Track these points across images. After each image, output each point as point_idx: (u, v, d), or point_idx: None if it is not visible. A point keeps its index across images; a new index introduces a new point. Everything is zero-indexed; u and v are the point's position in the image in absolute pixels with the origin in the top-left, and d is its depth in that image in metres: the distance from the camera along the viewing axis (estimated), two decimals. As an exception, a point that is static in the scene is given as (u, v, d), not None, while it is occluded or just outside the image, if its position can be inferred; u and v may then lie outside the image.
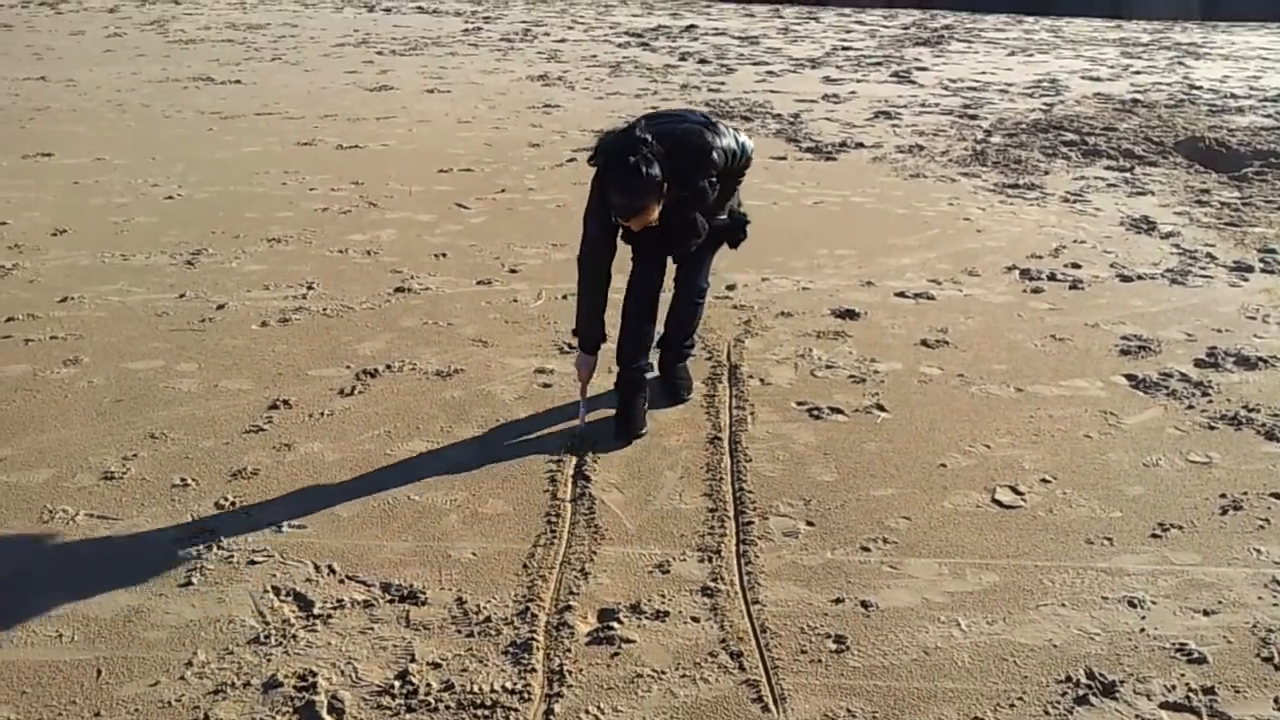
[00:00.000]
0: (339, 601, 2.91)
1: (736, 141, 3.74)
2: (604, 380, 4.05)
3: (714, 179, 3.65)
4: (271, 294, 5.18)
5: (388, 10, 18.35)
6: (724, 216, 3.91)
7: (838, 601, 2.95)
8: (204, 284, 5.28)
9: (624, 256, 3.83)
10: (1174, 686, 2.63)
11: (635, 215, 3.46)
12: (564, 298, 5.11)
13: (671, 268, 4.04)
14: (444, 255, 5.79)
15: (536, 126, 9.14)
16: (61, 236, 5.96)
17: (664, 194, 3.47)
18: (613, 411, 3.94)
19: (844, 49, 14.59)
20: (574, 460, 3.69)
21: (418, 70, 12.09)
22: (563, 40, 14.90)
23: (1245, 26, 18.70)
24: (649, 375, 4.02)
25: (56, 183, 7.05)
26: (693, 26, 16.77)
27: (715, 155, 3.59)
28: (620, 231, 3.71)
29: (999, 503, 3.46)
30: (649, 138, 3.44)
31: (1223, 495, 3.52)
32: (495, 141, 8.57)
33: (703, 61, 13.13)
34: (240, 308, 5.00)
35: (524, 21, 17.06)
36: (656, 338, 4.13)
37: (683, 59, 13.33)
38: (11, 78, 10.96)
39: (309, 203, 6.76)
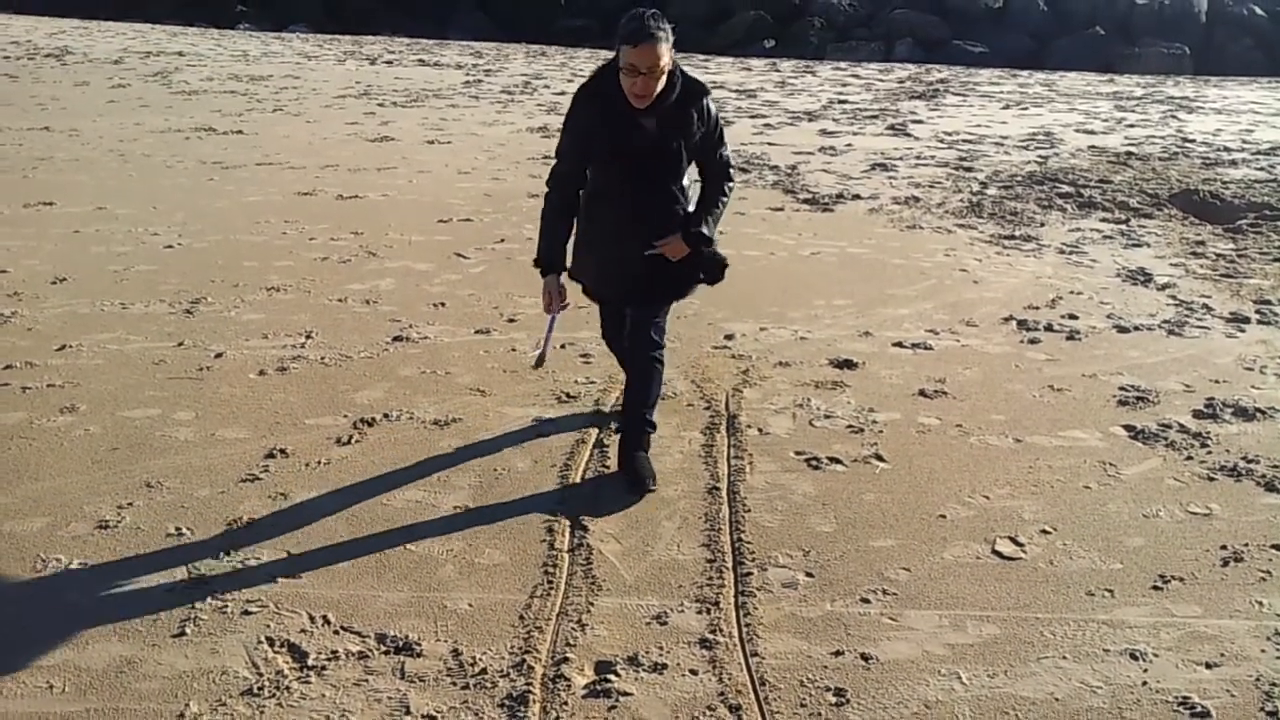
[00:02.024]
0: (333, 653, 2.88)
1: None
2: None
3: (703, 117, 3.65)
4: (270, 343, 5.19)
5: (389, 63, 18.57)
6: (709, 233, 3.76)
7: (837, 654, 2.92)
8: (202, 333, 5.29)
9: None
10: (1178, 742, 2.60)
11: (645, 41, 3.37)
12: (562, 347, 5.11)
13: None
14: (443, 304, 5.81)
15: (535, 177, 9.21)
16: (61, 285, 5.98)
17: (673, 59, 3.49)
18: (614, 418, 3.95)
19: (840, 102, 14.76)
20: (571, 511, 3.67)
21: (418, 122, 12.21)
22: (562, 93, 15.06)
23: (1236, 81, 18.95)
24: (651, 434, 4.02)
25: (57, 231, 7.09)
26: (691, 79, 16.95)
27: (710, 98, 3.69)
28: (588, 155, 3.68)
29: (999, 554, 3.45)
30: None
31: (1223, 547, 3.50)
32: (495, 192, 8.64)
33: (701, 114, 13.26)
34: (238, 356, 5.00)
35: (524, 74, 17.26)
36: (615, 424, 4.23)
37: (681, 111, 13.46)
38: (16, 127, 11.05)
39: (308, 252, 6.79)
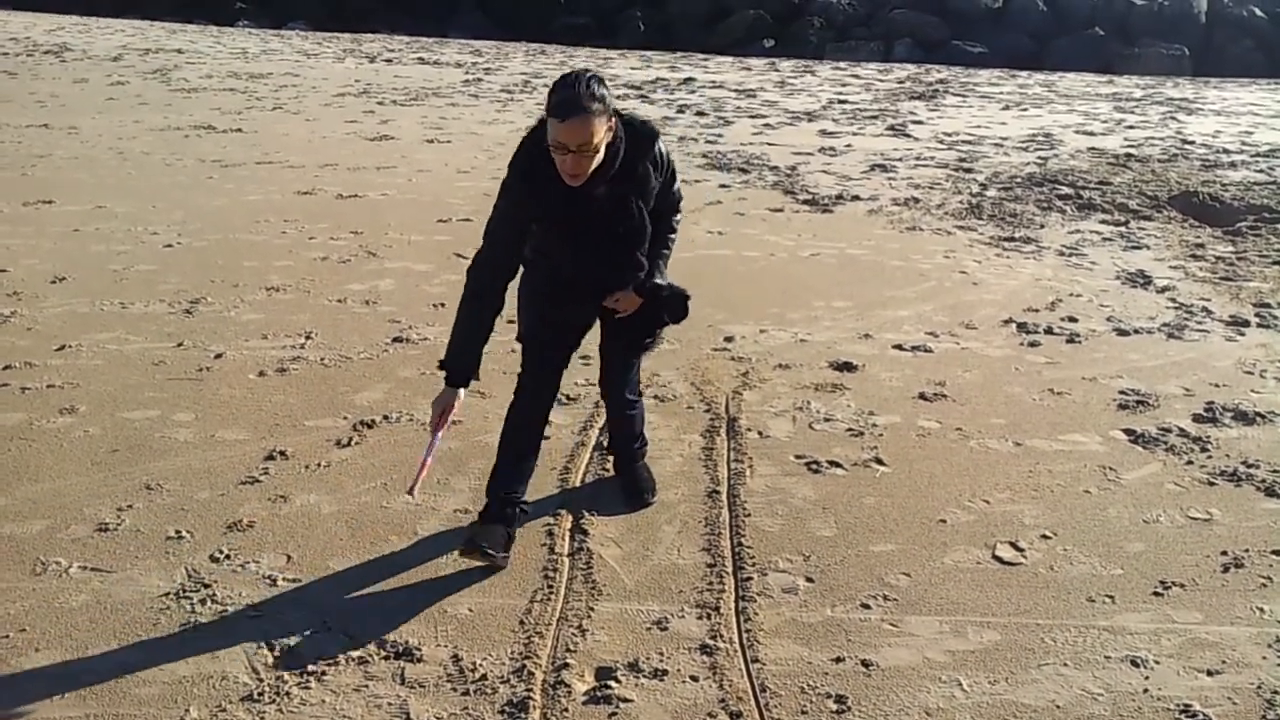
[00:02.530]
0: (333, 658, 2.88)
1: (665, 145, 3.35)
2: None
3: (656, 171, 3.25)
4: (269, 343, 5.18)
5: (389, 61, 18.55)
6: (666, 284, 3.43)
7: (838, 660, 2.92)
8: (202, 333, 5.28)
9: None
10: (1179, 750, 2.60)
11: (576, 115, 2.86)
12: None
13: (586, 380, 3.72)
14: (442, 305, 5.80)
15: (535, 177, 9.18)
16: (60, 284, 5.97)
17: (612, 128, 3.01)
18: (612, 476, 3.90)
19: (840, 102, 14.75)
20: (571, 515, 3.67)
21: (418, 120, 12.19)
22: (562, 91, 15.04)
23: (1236, 82, 18.95)
24: (524, 509, 3.47)
25: (57, 230, 7.07)
26: (690, 79, 16.95)
27: (660, 144, 3.27)
28: (524, 235, 3.21)
29: (999, 559, 3.44)
30: (600, 75, 3.02)
31: (1224, 553, 3.50)
32: (494, 191, 8.60)
33: (700, 114, 13.27)
34: (238, 357, 4.99)
35: (524, 73, 17.24)
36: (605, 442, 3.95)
37: (680, 111, 13.46)
38: (15, 125, 11.03)
39: (308, 252, 6.78)
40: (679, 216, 3.51)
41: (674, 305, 3.48)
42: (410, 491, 3.11)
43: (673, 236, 3.50)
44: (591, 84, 2.92)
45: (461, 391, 3.21)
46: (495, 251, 3.21)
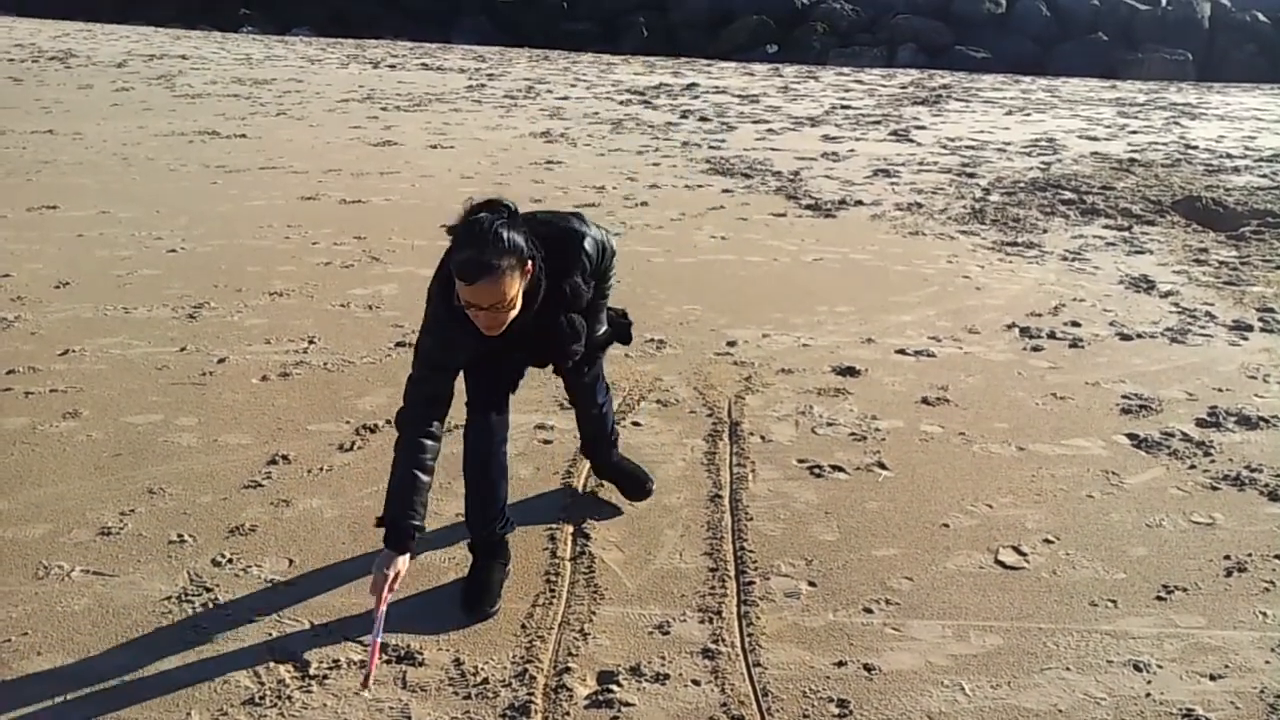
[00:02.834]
0: (335, 661, 2.88)
1: (604, 233, 3.17)
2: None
3: (586, 274, 3.03)
4: (273, 348, 5.19)
5: (392, 67, 18.59)
6: (603, 328, 3.34)
7: (840, 664, 2.92)
8: (205, 337, 5.29)
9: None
10: (1182, 754, 2.59)
11: (485, 278, 2.62)
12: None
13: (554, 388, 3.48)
14: (445, 310, 5.80)
15: (539, 183, 9.22)
16: (64, 289, 5.98)
17: (528, 272, 2.75)
18: (611, 483, 3.83)
19: (843, 107, 14.76)
20: (573, 519, 3.66)
21: (421, 126, 12.21)
22: (565, 97, 15.08)
23: (1239, 87, 18.95)
24: (509, 535, 3.33)
25: (61, 235, 7.09)
26: (694, 85, 16.98)
27: (588, 244, 3.00)
28: (464, 353, 2.92)
29: (1002, 563, 3.44)
30: (512, 206, 2.79)
31: (1227, 557, 3.50)
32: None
33: (703, 119, 13.28)
34: (241, 362, 5.00)
35: (527, 79, 17.27)
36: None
37: (684, 116, 13.48)
38: (20, 130, 11.07)
39: (311, 257, 6.79)
40: (614, 273, 3.30)
41: (621, 332, 3.47)
42: (364, 685, 2.69)
43: (610, 286, 3.30)
44: (499, 233, 2.65)
45: (406, 556, 2.82)
46: (429, 379, 2.89)
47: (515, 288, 2.69)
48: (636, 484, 3.78)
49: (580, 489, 3.86)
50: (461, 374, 3.03)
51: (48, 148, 10.25)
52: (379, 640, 2.69)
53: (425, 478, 2.85)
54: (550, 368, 3.42)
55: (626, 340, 3.54)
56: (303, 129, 11.83)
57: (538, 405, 4.57)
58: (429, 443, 2.86)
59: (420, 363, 2.91)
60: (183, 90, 14.61)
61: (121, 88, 14.62)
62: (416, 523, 2.81)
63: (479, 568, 3.23)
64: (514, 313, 2.75)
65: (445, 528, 3.57)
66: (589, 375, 3.50)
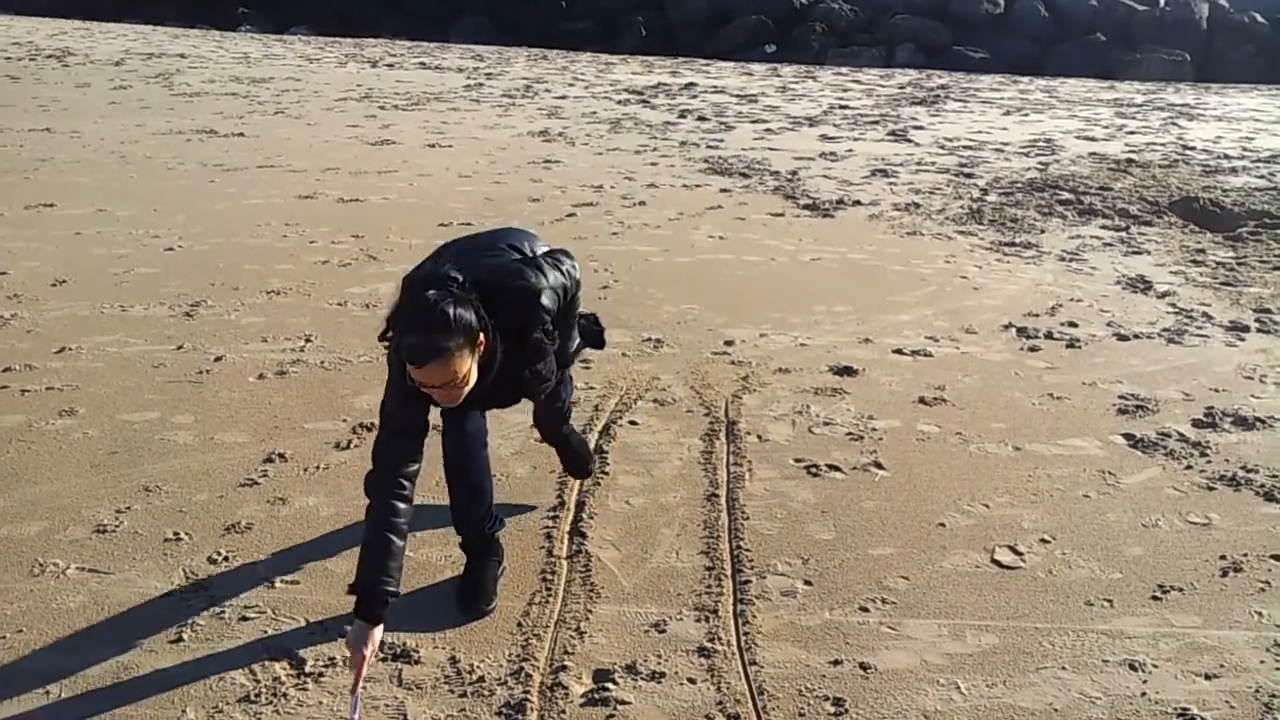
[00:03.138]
0: (331, 659, 2.88)
1: (563, 272, 3.04)
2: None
3: (548, 328, 2.95)
4: (269, 346, 5.18)
5: (390, 66, 18.58)
6: (575, 343, 3.35)
7: (836, 663, 2.92)
8: (202, 336, 5.29)
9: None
10: (1177, 753, 2.60)
11: (434, 360, 2.55)
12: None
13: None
14: (443, 309, 5.80)
15: (537, 181, 9.21)
16: (61, 287, 5.97)
17: (482, 345, 2.69)
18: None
19: (841, 107, 14.76)
20: (570, 517, 3.67)
21: (419, 125, 12.21)
22: (564, 97, 15.07)
23: (1237, 88, 18.96)
24: (498, 533, 3.28)
25: (58, 233, 7.08)
26: (692, 84, 16.97)
27: (545, 299, 2.88)
28: (429, 410, 2.83)
29: (998, 563, 3.44)
30: (459, 277, 2.70)
31: (1222, 557, 3.50)
32: (495, 196, 8.63)
33: (701, 119, 13.28)
34: (238, 360, 5.00)
35: (525, 78, 17.26)
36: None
37: (682, 116, 13.47)
38: (17, 128, 11.05)
39: (309, 255, 6.79)
40: (579, 294, 3.23)
41: (593, 338, 3.53)
42: None
43: (577, 307, 3.27)
44: (446, 313, 2.56)
45: (380, 627, 2.69)
46: (394, 443, 2.80)
47: (467, 364, 2.63)
48: (579, 462, 3.76)
49: (577, 487, 3.86)
50: None
51: (45, 146, 10.24)
52: (356, 705, 2.58)
53: (399, 542, 2.74)
54: None
55: (599, 346, 3.59)
56: (300, 128, 11.82)
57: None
58: (401, 505, 2.76)
59: (385, 427, 2.83)
60: (181, 89, 14.59)
61: (119, 86, 14.60)
62: (391, 589, 2.69)
63: (472, 567, 3.22)
64: (469, 386, 2.70)
65: (440, 524, 3.57)
66: (557, 394, 3.43)
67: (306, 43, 23.04)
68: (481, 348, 2.68)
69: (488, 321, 2.69)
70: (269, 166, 9.59)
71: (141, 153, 10.05)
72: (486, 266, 2.89)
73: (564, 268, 3.08)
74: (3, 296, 5.79)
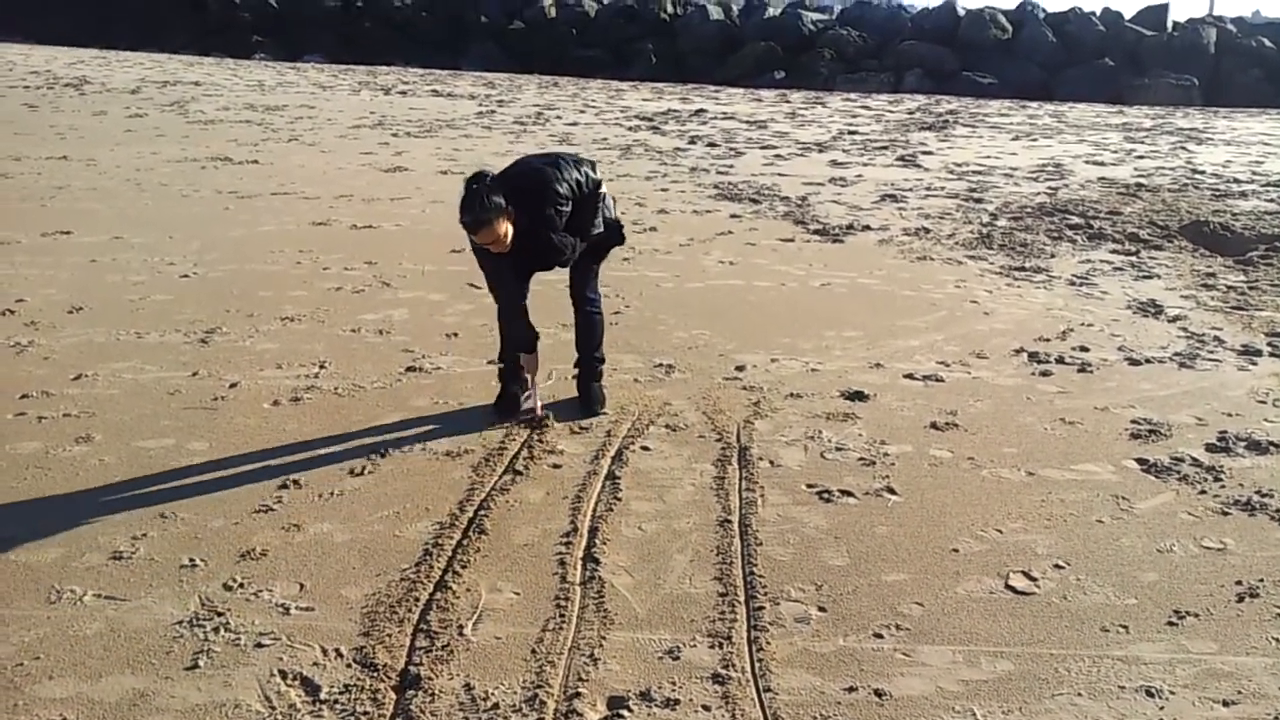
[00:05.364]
0: (345, 686, 2.88)
1: (580, 172, 4.46)
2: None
3: (562, 207, 4.34)
4: (284, 373, 5.22)
5: (403, 93, 18.74)
6: (600, 229, 4.63)
7: (851, 690, 2.91)
8: (217, 362, 5.32)
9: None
10: (1195, 781, 2.58)
11: (482, 229, 4.11)
12: (571, 378, 5.12)
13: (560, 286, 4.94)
14: (456, 335, 5.84)
15: (548, 207, 9.25)
16: (77, 314, 6.03)
17: (510, 216, 4.16)
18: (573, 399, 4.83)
19: (850, 133, 14.83)
20: (583, 542, 3.67)
21: (432, 152, 12.30)
22: (574, 123, 15.17)
23: (1245, 112, 18.99)
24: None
25: (74, 260, 7.15)
26: (702, 110, 17.07)
27: (559, 187, 4.33)
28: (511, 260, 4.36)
29: (1012, 589, 3.43)
30: (488, 176, 4.19)
31: (1238, 582, 3.49)
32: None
33: (711, 145, 13.35)
34: (252, 386, 5.03)
35: (536, 105, 17.39)
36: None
37: (692, 142, 13.55)
38: (34, 156, 11.17)
39: (323, 282, 6.83)
40: (605, 192, 4.66)
41: (617, 232, 4.80)
42: (536, 416, 4.64)
43: (602, 204, 4.61)
44: (487, 199, 4.10)
45: (538, 352, 4.62)
46: (507, 288, 4.52)
47: (504, 228, 4.19)
48: (587, 402, 4.82)
49: (590, 513, 3.87)
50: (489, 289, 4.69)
51: (62, 173, 10.35)
52: (536, 393, 4.71)
53: (526, 318, 4.57)
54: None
55: (620, 240, 4.87)
56: (314, 155, 11.92)
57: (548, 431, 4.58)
58: (523, 309, 4.55)
59: (491, 285, 4.59)
60: (195, 116, 14.74)
61: (135, 114, 14.75)
62: (534, 333, 4.58)
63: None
64: (509, 238, 4.22)
65: (455, 551, 3.58)
66: (585, 268, 4.76)
67: (320, 70, 23.25)
68: (510, 217, 4.18)
69: (512, 203, 4.18)
70: (283, 193, 9.67)
71: (157, 180, 10.15)
72: (519, 172, 4.45)
73: (583, 168, 4.51)
74: (20, 323, 5.84)
